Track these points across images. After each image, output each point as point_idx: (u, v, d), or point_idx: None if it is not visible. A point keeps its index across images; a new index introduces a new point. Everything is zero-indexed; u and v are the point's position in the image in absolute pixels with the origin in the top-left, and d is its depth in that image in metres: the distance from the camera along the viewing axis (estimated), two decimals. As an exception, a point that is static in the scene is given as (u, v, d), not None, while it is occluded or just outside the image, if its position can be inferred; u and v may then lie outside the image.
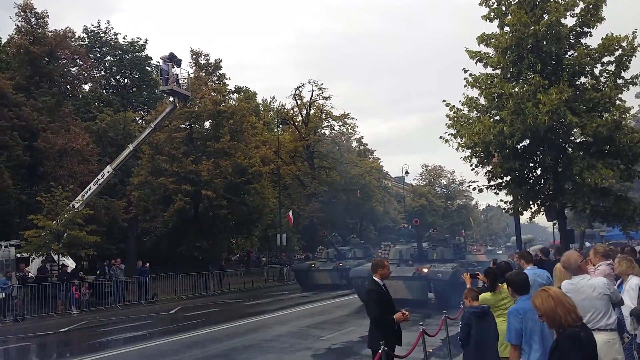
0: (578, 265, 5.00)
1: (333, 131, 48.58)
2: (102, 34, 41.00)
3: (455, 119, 14.63)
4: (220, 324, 15.76)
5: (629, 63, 13.42)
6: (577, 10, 13.85)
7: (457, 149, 14.40)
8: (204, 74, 32.86)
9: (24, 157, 27.48)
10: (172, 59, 24.95)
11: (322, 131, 47.95)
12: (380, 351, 5.78)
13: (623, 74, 13.53)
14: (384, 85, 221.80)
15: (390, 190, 66.61)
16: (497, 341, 6.22)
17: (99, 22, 44.70)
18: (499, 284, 6.48)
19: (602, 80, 13.82)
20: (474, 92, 14.67)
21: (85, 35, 40.04)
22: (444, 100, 14.92)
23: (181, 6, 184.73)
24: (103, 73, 40.72)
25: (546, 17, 13.44)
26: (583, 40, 14.10)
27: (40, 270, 21.03)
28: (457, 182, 76.90)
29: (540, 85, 12.86)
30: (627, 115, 14.47)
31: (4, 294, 18.12)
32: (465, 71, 14.70)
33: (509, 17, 13.98)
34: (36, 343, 14.61)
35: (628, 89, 13.72)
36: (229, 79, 34.28)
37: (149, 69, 41.66)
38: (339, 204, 45.33)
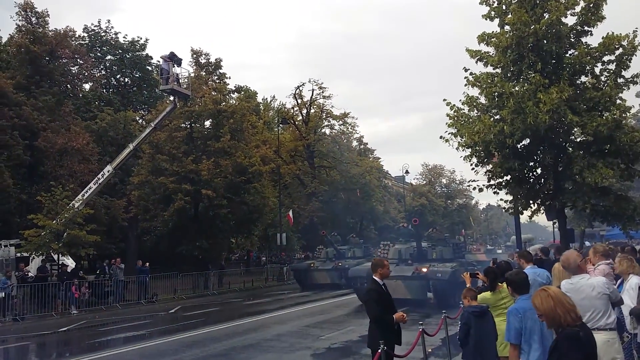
0: (577, 264, 4.99)
1: (333, 130, 48.60)
2: (103, 34, 40.98)
3: (455, 118, 14.61)
4: (220, 324, 15.75)
5: (630, 62, 13.41)
6: (578, 9, 13.84)
7: (457, 149, 14.40)
8: (204, 73, 32.83)
9: (24, 156, 27.48)
10: (173, 58, 24.93)
11: (323, 130, 47.93)
12: (379, 350, 5.77)
13: (623, 73, 13.52)
14: (384, 85, 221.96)
15: (390, 190, 66.61)
16: (496, 340, 6.22)
17: (99, 22, 44.86)
18: (499, 284, 6.47)
19: (603, 79, 13.82)
20: (475, 91, 14.68)
21: (85, 35, 40.05)
22: (444, 100, 14.92)
23: (181, 5, 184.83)
24: (103, 72, 40.71)
25: (547, 16, 13.43)
26: (583, 39, 14.09)
27: (40, 269, 21.04)
28: (458, 182, 76.94)
29: (541, 85, 12.85)
30: (628, 114, 14.48)
31: (3, 293, 18.11)
32: (466, 70, 14.69)
33: (510, 16, 13.97)
34: (36, 342, 14.60)
35: (628, 88, 13.71)
36: (229, 78, 34.27)
37: (150, 68, 41.63)
38: (339, 204, 45.32)
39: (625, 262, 5.93)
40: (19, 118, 27.30)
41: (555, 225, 25.31)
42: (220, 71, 33.53)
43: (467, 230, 73.17)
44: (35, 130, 28.24)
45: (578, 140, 14.19)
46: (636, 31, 13.35)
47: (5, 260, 22.57)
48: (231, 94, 35.85)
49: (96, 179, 24.69)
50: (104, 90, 41.37)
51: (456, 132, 14.43)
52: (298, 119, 46.79)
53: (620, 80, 13.56)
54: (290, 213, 37.45)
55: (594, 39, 14.01)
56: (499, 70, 14.56)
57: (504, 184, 15.09)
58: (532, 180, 15.19)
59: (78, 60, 33.67)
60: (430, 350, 9.89)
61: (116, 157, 26.35)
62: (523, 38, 13.49)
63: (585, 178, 12.71)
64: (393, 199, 63.70)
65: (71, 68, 34.16)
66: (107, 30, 41.12)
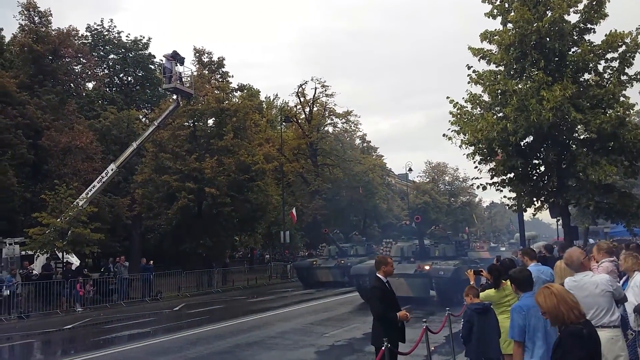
0: (581, 262, 4.99)
1: (336, 128, 48.64)
2: (106, 33, 41.05)
3: (458, 116, 14.58)
4: (224, 321, 15.81)
5: (633, 59, 13.36)
6: (581, 6, 13.78)
7: (460, 146, 14.36)
8: (207, 72, 32.88)
9: (28, 155, 27.57)
10: (176, 57, 24.98)
11: (325, 128, 47.93)
12: (383, 348, 5.80)
13: (627, 70, 13.46)
14: (387, 83, 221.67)
15: (393, 188, 66.59)
16: (499, 337, 6.24)
17: (102, 21, 44.85)
18: (503, 281, 6.49)
19: (606, 76, 13.77)
20: (478, 89, 14.64)
21: (88, 34, 40.11)
22: (447, 97, 14.85)
23: (184, 4, 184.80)
24: (106, 71, 40.77)
25: (549, 14, 13.39)
26: (587, 37, 14.03)
27: (45, 267, 21.12)
28: (461, 179, 76.77)
29: (544, 82, 12.81)
30: (631, 111, 14.42)
31: (8, 291, 18.21)
32: (469, 68, 14.66)
33: (512, 14, 13.93)
34: (40, 340, 14.67)
35: (632, 86, 13.65)
36: (232, 76, 34.32)
37: (153, 67, 41.70)
38: (343, 201, 45.33)
39: (630, 259, 5.93)
40: (22, 117, 27.39)
41: (559, 223, 25.29)
42: (223, 70, 33.61)
43: (471, 228, 73.03)
44: (39, 129, 28.33)
45: (581, 137, 14.13)
46: (639, 29, 13.31)
47: (10, 258, 22.66)
48: (234, 93, 35.94)
49: (100, 177, 24.77)
50: (107, 89, 41.44)
51: (459, 130, 14.40)
52: (301, 117, 46.78)
53: (623, 78, 13.50)
54: (294, 211, 37.48)
55: (597, 37, 13.97)
56: (502, 68, 14.52)
57: (507, 181, 15.07)
58: (535, 177, 15.16)
59: (81, 59, 33.76)
60: (433, 348, 9.91)
61: (120, 155, 26.43)
62: (526, 36, 13.45)
63: (589, 175, 12.68)
64: (396, 197, 63.69)
65: (74, 67, 34.25)
66: (110, 30, 41.24)
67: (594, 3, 13.52)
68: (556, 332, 3.92)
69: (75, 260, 23.16)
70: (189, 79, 26.87)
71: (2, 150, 26.06)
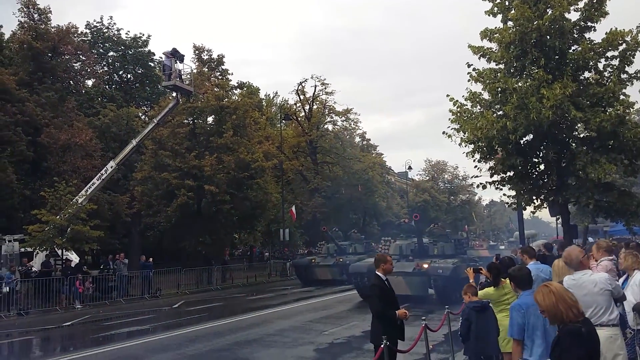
0: (579, 260, 4.98)
1: (336, 126, 48.61)
2: (105, 30, 40.96)
3: (458, 114, 14.57)
4: (223, 319, 15.82)
5: (633, 58, 13.35)
6: (581, 4, 13.77)
7: (460, 144, 14.35)
8: (206, 70, 32.85)
9: (27, 152, 27.55)
10: (175, 55, 24.96)
11: (325, 126, 47.91)
12: (382, 346, 5.79)
13: (627, 68, 13.45)
14: (388, 81, 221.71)
15: (393, 186, 66.60)
16: (498, 336, 6.24)
17: (101, 18, 44.60)
18: (502, 279, 6.49)
19: (606, 75, 13.76)
20: (478, 87, 14.62)
21: (88, 31, 40.00)
22: (447, 95, 14.85)
23: (184, 2, 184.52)
24: (106, 69, 40.71)
25: (550, 12, 13.37)
26: (587, 35, 14.02)
27: (44, 264, 21.12)
28: (461, 177, 76.81)
29: (544, 80, 12.80)
30: (631, 110, 14.40)
31: (8, 288, 18.22)
32: (469, 66, 14.64)
33: (513, 11, 13.91)
34: (40, 337, 14.70)
35: (632, 84, 13.64)
36: (232, 74, 34.37)
37: (152, 64, 41.62)
38: (342, 199, 45.33)
39: (630, 257, 5.93)
40: (22, 114, 27.37)
41: (558, 221, 25.28)
42: (223, 67, 33.60)
43: (470, 226, 73.04)
44: (38, 126, 28.32)
45: (581, 136, 14.13)
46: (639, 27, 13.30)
47: (10, 255, 22.67)
48: (234, 90, 35.92)
49: (99, 174, 24.77)
50: (107, 87, 41.39)
51: (459, 128, 14.38)
52: (301, 115, 46.74)
53: (623, 76, 13.49)
54: (293, 209, 37.47)
55: (597, 35, 13.95)
56: (502, 66, 14.50)
57: (507, 179, 15.06)
58: (535, 175, 15.15)
59: (80, 56, 33.75)
60: (432, 346, 9.91)
61: (119, 152, 26.43)
62: (526, 34, 13.43)
63: (589, 174, 12.68)
64: (396, 195, 63.71)
65: (74, 64, 34.24)
66: (110, 27, 41.13)
67: (595, 1, 13.51)
68: (555, 330, 3.93)
69: (74, 258, 23.18)
70: (188, 76, 26.87)
71: (2, 148, 26.05)
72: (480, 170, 15.12)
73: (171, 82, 24.71)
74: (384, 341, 5.78)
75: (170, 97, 29.18)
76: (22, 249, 22.61)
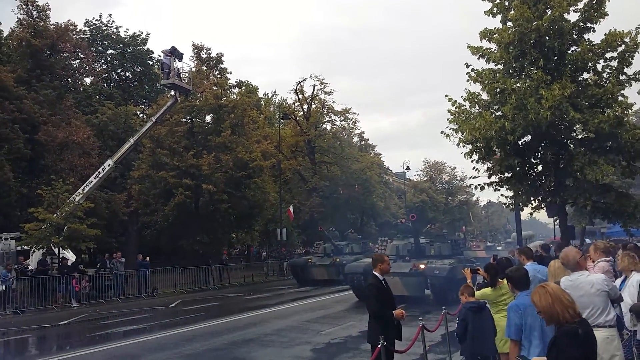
0: (576, 261, 4.97)
1: (334, 126, 48.57)
2: (104, 28, 40.92)
3: (456, 114, 14.57)
4: (220, 318, 15.77)
5: (632, 59, 13.37)
6: (580, 5, 13.79)
7: (458, 145, 14.35)
8: (205, 68, 32.81)
9: (24, 150, 27.48)
10: (174, 53, 24.92)
11: (324, 126, 47.90)
12: (379, 346, 5.77)
13: (626, 70, 13.49)
14: (386, 81, 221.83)
15: (391, 186, 66.64)
16: (495, 336, 6.23)
17: (100, 16, 44.62)
18: (500, 280, 6.48)
19: (605, 76, 13.78)
20: (477, 87, 14.63)
21: (86, 29, 39.95)
22: (446, 96, 14.86)
23: (183, 0, 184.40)
24: (104, 66, 40.65)
25: (549, 13, 13.38)
26: (586, 36, 14.04)
27: (41, 263, 21.07)
28: (458, 178, 76.91)
29: (543, 81, 12.81)
30: (629, 111, 14.42)
31: (4, 286, 18.16)
32: (468, 66, 14.65)
33: (512, 12, 13.93)
34: (36, 335, 14.64)
35: (630, 85, 13.68)
36: (231, 73, 34.30)
37: (151, 62, 41.61)
38: (340, 199, 45.31)
39: (627, 258, 5.92)
40: (19, 112, 27.31)
41: (556, 222, 25.30)
42: (222, 66, 33.58)
43: (468, 227, 73.14)
44: (35, 124, 28.25)
45: (579, 137, 14.15)
46: (639, 28, 13.30)
47: (6, 253, 22.62)
48: (232, 89, 35.82)
49: (97, 172, 24.72)
50: (105, 85, 41.34)
51: (457, 128, 14.38)
52: (299, 115, 46.73)
53: (622, 78, 13.53)
54: (291, 208, 37.46)
55: (596, 36, 13.99)
56: (501, 67, 14.51)
57: (505, 180, 15.06)
58: (533, 176, 15.16)
59: (79, 54, 33.70)
60: (429, 346, 9.90)
61: (117, 151, 26.38)
62: (525, 34, 13.44)
63: (587, 175, 12.69)
64: (394, 195, 63.71)
65: (72, 62, 34.18)
66: (108, 25, 41.10)
67: (594, 2, 13.54)
68: (552, 331, 3.91)
69: (71, 256, 23.12)
70: (187, 74, 26.83)
71: (-1, 145, 25.99)
72: (479, 171, 15.14)
73: (170, 81, 24.67)
74: (381, 341, 5.76)
75: (168, 96, 29.14)
76: (19, 247, 22.55)
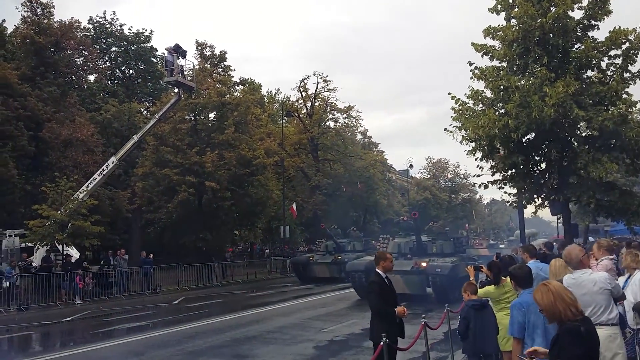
0: (579, 259, 4.96)
1: (338, 124, 48.58)
2: (108, 25, 40.99)
3: (460, 112, 14.53)
4: (223, 315, 15.82)
5: (636, 56, 13.28)
6: (585, 2, 13.70)
7: (461, 142, 14.31)
8: (209, 66, 32.80)
9: (28, 147, 27.55)
10: (177, 50, 24.94)
11: (327, 124, 47.89)
12: (382, 343, 5.78)
13: (630, 67, 13.40)
14: (390, 78, 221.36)
15: (394, 183, 66.61)
16: (497, 334, 6.23)
17: (104, 13, 44.66)
18: (503, 278, 6.47)
19: (609, 73, 13.70)
20: (480, 85, 14.57)
21: (90, 26, 40.05)
22: (449, 93, 14.80)
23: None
24: (108, 64, 40.72)
25: (553, 10, 13.30)
26: (590, 33, 13.96)
27: (45, 260, 21.14)
28: (462, 176, 76.74)
29: (547, 78, 12.75)
30: (634, 109, 14.32)
31: (8, 283, 18.23)
32: (471, 64, 14.60)
33: (516, 9, 13.86)
34: (40, 332, 14.70)
35: (635, 83, 13.59)
36: (234, 70, 34.40)
37: (154, 60, 41.66)
38: (343, 197, 45.31)
39: (629, 256, 5.92)
40: (23, 109, 27.37)
41: (559, 220, 25.23)
42: (225, 63, 33.51)
43: (471, 225, 73.00)
44: (40, 121, 28.32)
45: (583, 134, 14.08)
46: (643, 25, 13.22)
47: (10, 250, 22.70)
48: (236, 87, 35.85)
49: (100, 170, 24.77)
50: (109, 82, 41.41)
51: (461, 126, 14.35)
52: (302, 112, 46.72)
53: (626, 75, 13.44)
54: (294, 206, 37.48)
55: (600, 33, 13.90)
56: (504, 64, 14.45)
57: (508, 178, 15.02)
58: (536, 174, 15.10)
59: (83, 51, 33.74)
60: (431, 344, 9.90)
61: (120, 148, 26.44)
62: (529, 32, 13.38)
63: (590, 173, 12.63)
64: (397, 193, 63.70)
65: (76, 59, 34.23)
66: (112, 22, 41.18)
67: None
68: (555, 328, 3.91)
69: (75, 253, 23.19)
70: (190, 72, 26.86)
71: (3, 142, 26.04)
72: (482, 169, 15.07)
73: (173, 78, 24.70)
74: (384, 339, 5.77)
75: (172, 93, 29.15)
76: (23, 244, 22.63)
